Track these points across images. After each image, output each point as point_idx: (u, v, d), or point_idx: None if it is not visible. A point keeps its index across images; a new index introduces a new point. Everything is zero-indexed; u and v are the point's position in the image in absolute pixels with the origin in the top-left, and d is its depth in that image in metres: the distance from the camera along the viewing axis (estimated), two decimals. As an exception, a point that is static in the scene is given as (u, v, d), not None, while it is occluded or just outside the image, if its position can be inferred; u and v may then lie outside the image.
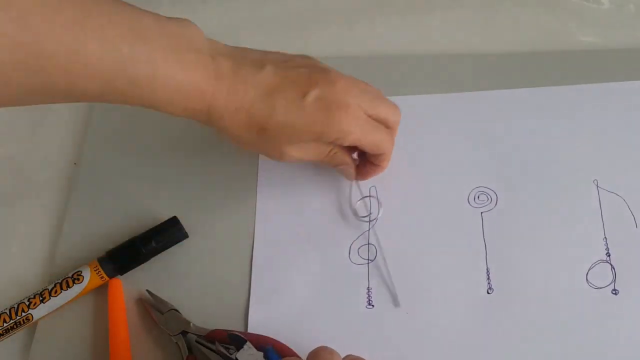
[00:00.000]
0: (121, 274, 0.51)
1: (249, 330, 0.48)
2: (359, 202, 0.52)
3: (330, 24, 0.63)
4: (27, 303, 0.49)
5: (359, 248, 0.51)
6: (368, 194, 0.52)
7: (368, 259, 0.50)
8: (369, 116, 0.48)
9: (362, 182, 0.53)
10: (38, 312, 0.49)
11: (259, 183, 0.54)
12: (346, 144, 0.47)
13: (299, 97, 0.45)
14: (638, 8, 0.61)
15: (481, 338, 0.46)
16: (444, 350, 0.46)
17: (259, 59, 0.46)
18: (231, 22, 0.65)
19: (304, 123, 0.45)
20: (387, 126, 0.49)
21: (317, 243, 0.51)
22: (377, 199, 0.52)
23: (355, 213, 0.52)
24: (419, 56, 0.60)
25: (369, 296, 0.49)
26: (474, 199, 0.52)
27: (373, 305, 0.48)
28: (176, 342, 0.47)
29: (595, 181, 0.51)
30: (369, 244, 0.51)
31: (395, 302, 0.48)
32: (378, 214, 0.51)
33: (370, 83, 0.58)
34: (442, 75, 0.58)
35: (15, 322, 0.48)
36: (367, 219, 0.51)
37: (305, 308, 0.49)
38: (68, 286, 0.49)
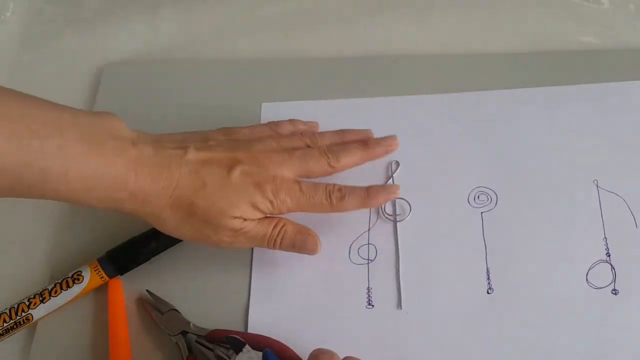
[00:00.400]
0: (121, 274, 0.51)
1: (249, 331, 0.48)
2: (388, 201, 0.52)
3: (330, 24, 0.63)
4: (27, 303, 0.49)
5: (359, 248, 0.51)
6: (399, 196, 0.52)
7: (368, 259, 0.50)
8: (301, 177, 0.48)
9: (389, 182, 0.53)
10: (38, 312, 0.49)
11: None
12: (284, 211, 0.47)
13: (224, 173, 0.45)
14: (638, 8, 0.61)
15: (481, 338, 0.46)
16: (444, 350, 0.46)
17: (180, 142, 0.46)
18: (231, 22, 0.65)
19: (234, 194, 0.45)
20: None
21: None
22: (407, 201, 0.52)
23: (383, 210, 0.52)
24: (419, 56, 0.60)
25: (369, 296, 0.49)
26: (474, 199, 0.51)
27: (373, 305, 0.48)
28: (176, 342, 0.47)
29: (595, 181, 0.51)
30: (369, 244, 0.51)
31: (399, 304, 0.48)
32: (408, 215, 0.51)
33: (370, 83, 0.59)
34: (442, 75, 0.58)
35: (15, 322, 0.48)
36: (392, 218, 0.51)
37: (305, 308, 0.48)
38: (68, 286, 0.49)
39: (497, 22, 0.62)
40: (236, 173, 0.45)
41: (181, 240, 0.52)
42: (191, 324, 0.47)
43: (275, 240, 0.47)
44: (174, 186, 0.44)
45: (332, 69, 0.60)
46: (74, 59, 0.65)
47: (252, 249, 0.51)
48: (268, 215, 0.47)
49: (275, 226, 0.47)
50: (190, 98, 0.60)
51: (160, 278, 0.51)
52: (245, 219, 0.45)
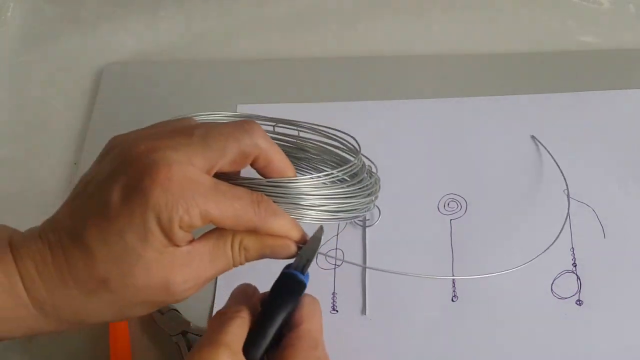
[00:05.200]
0: (121, 273, 0.51)
1: None
2: None
3: (330, 24, 0.63)
4: (27, 302, 0.49)
5: (326, 252, 0.50)
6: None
7: (335, 264, 0.50)
8: (208, 173, 0.35)
9: None
10: (37, 310, 0.49)
11: None
12: (195, 223, 0.33)
13: (101, 209, 0.33)
14: (638, 8, 0.61)
15: (445, 346, 0.45)
16: (407, 357, 0.45)
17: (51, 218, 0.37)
18: (231, 22, 0.65)
19: (122, 230, 0.32)
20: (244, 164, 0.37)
21: None
22: (377, 206, 0.51)
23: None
24: (419, 56, 0.60)
25: (333, 301, 0.48)
26: (444, 205, 0.51)
27: (337, 311, 0.48)
28: (176, 342, 0.47)
29: (566, 191, 0.50)
30: (336, 248, 0.50)
31: (364, 310, 0.48)
32: (377, 219, 0.51)
33: (370, 83, 0.59)
34: (442, 76, 0.58)
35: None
36: (361, 223, 0.51)
37: None
38: (68, 285, 0.49)
39: (497, 23, 0.62)
40: (115, 194, 0.33)
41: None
42: (191, 323, 0.47)
43: (239, 263, 0.37)
44: (66, 269, 0.34)
45: (332, 69, 0.60)
46: (74, 59, 0.65)
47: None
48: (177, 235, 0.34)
49: (232, 250, 0.36)
50: (190, 98, 0.60)
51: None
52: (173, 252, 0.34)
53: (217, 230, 0.36)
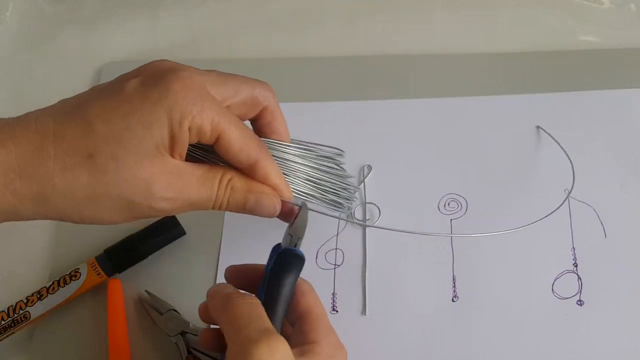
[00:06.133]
0: (119, 272, 0.51)
1: None
2: (357, 206, 0.52)
3: (330, 24, 0.63)
4: (25, 301, 0.48)
5: (326, 253, 0.50)
6: (369, 201, 0.52)
7: (335, 264, 0.50)
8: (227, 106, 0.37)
9: (361, 186, 0.52)
10: (35, 309, 0.48)
11: None
12: (205, 128, 0.34)
13: (115, 92, 0.34)
14: (638, 8, 0.61)
15: (445, 346, 0.45)
16: (407, 357, 0.45)
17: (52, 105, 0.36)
18: (231, 22, 0.65)
19: (130, 111, 0.33)
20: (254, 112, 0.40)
21: None
22: (377, 206, 0.52)
23: (352, 215, 0.52)
24: (419, 56, 0.60)
25: (333, 301, 0.48)
26: (444, 205, 0.51)
27: (337, 311, 0.48)
28: (175, 343, 0.47)
29: (567, 190, 0.50)
30: (336, 248, 0.50)
31: (364, 310, 0.48)
32: (377, 219, 0.51)
33: (370, 83, 0.58)
34: (442, 75, 0.58)
35: (12, 320, 0.48)
36: (361, 223, 0.51)
37: None
38: (65, 283, 0.49)
39: (497, 22, 0.62)
40: (130, 84, 0.34)
41: (178, 237, 0.52)
42: (190, 324, 0.47)
43: (221, 203, 0.38)
44: (50, 137, 0.33)
45: (332, 68, 0.60)
46: (74, 59, 0.65)
47: (219, 249, 0.51)
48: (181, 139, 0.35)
49: (220, 184, 0.37)
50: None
51: (159, 278, 0.51)
52: (170, 161, 0.35)
53: (209, 164, 0.38)
